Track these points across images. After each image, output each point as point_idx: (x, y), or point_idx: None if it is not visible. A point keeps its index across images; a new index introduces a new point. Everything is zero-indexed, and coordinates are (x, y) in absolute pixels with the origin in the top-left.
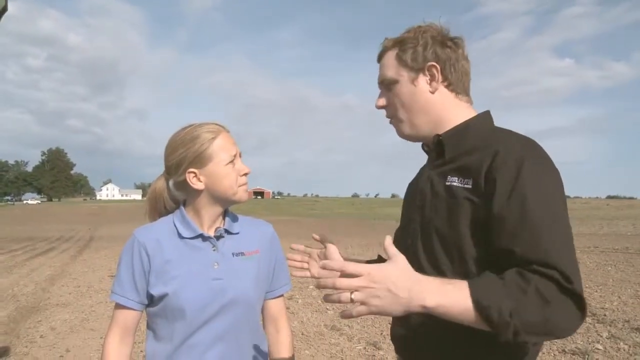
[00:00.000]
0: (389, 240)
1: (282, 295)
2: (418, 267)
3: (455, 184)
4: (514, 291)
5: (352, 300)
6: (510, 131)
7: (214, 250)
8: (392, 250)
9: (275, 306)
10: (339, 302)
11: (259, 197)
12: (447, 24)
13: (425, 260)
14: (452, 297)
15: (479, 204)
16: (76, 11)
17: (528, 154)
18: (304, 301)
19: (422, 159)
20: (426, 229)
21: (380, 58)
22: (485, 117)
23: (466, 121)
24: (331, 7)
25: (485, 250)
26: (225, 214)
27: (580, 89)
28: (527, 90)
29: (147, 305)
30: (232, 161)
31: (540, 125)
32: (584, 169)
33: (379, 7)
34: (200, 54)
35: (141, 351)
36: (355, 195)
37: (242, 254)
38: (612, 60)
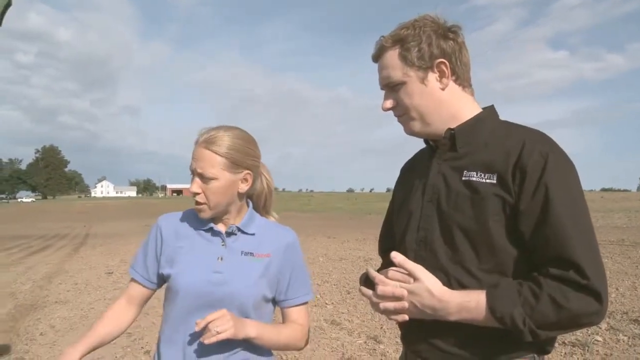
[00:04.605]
0: (401, 257)
1: (302, 305)
2: (435, 263)
3: (474, 178)
4: (528, 298)
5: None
6: (521, 125)
7: (222, 245)
8: (410, 266)
9: (295, 314)
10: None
11: None
12: (441, 13)
13: (445, 256)
14: (472, 313)
15: (506, 199)
16: (65, 5)
17: (551, 148)
18: None
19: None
20: (446, 225)
21: (378, 58)
22: (492, 111)
23: (477, 115)
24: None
25: (515, 244)
26: (246, 213)
27: (575, 81)
28: (521, 82)
29: (161, 286)
30: (191, 174)
31: (535, 117)
32: (578, 162)
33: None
34: (191, 49)
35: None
36: (350, 190)
37: (251, 254)
38: (607, 51)
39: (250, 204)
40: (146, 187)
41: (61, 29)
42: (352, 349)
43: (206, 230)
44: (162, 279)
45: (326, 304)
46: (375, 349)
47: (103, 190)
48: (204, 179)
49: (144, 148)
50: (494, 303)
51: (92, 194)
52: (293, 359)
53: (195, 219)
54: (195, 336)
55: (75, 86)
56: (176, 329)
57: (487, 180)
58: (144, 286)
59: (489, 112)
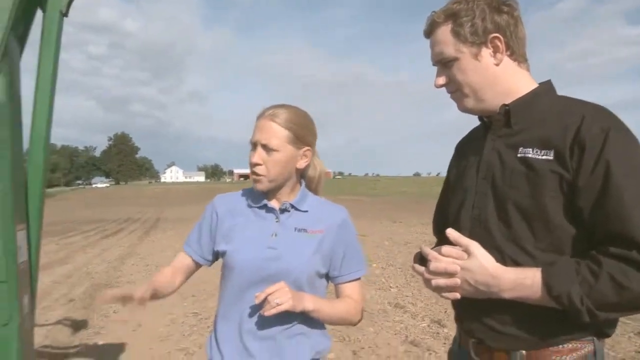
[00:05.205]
0: (456, 233)
1: (355, 280)
2: (490, 241)
3: (530, 155)
4: (586, 277)
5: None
6: (581, 100)
7: (276, 221)
8: (465, 241)
9: (348, 289)
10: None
11: None
12: None
13: (500, 234)
14: (527, 291)
15: (564, 175)
16: None
17: (612, 123)
18: (367, 279)
19: None
20: (501, 203)
21: (430, 34)
22: (549, 86)
23: (533, 90)
24: None
25: (572, 222)
26: (299, 191)
27: None
28: (594, 61)
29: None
30: (251, 147)
31: (608, 97)
32: None
33: None
34: (254, 35)
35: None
36: (416, 174)
37: (305, 230)
38: None
39: (303, 183)
40: (214, 172)
41: (128, 20)
42: (416, 332)
43: (260, 207)
44: (217, 256)
45: (390, 287)
46: (438, 333)
47: (172, 175)
48: (268, 150)
49: (211, 134)
50: (550, 280)
51: (162, 180)
52: (356, 341)
53: (250, 197)
54: (251, 311)
55: (144, 75)
56: (232, 305)
57: (544, 157)
58: (195, 262)
59: (546, 87)
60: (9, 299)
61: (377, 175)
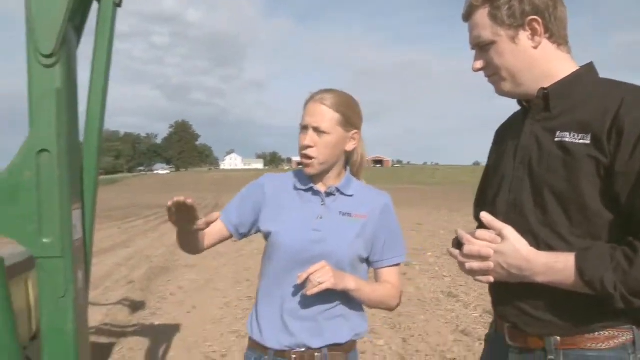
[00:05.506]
0: (489, 217)
1: (395, 266)
2: (525, 226)
3: (567, 139)
4: (621, 263)
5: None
6: (623, 82)
7: (322, 204)
8: (498, 224)
9: (388, 274)
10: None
11: (379, 165)
12: None
13: (535, 219)
14: (559, 275)
15: (601, 160)
16: None
17: None
18: (421, 268)
19: None
20: (537, 187)
21: (468, 17)
22: (590, 69)
23: (572, 74)
24: None
25: (609, 208)
26: (344, 175)
27: None
28: None
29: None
30: (301, 131)
31: None
32: None
33: None
34: (313, 23)
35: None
36: (476, 164)
37: (349, 214)
38: None
39: (348, 169)
40: (272, 160)
41: (191, 10)
42: (467, 321)
43: (306, 190)
44: (251, 231)
45: (444, 276)
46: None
47: (231, 162)
48: (319, 132)
49: (270, 121)
50: (583, 265)
51: (221, 167)
52: (407, 329)
53: (297, 180)
54: (293, 291)
55: (205, 64)
56: (274, 284)
57: (581, 141)
58: (228, 231)
59: (587, 69)
60: (64, 273)
61: (436, 164)
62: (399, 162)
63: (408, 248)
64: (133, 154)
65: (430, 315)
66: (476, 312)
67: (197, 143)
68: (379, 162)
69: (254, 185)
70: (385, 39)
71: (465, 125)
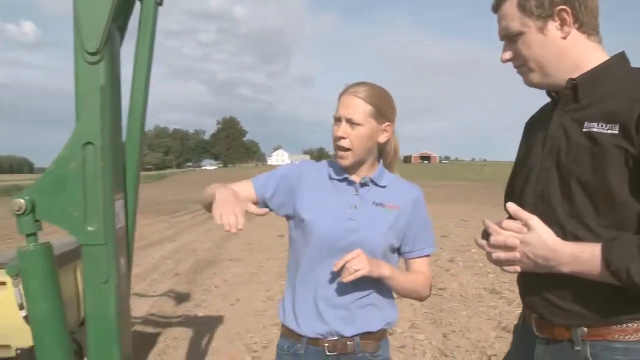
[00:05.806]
0: (516, 207)
1: (426, 257)
2: (552, 217)
3: (595, 129)
4: None
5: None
6: None
7: (355, 194)
8: (525, 215)
9: (419, 265)
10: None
11: (426, 161)
12: None
13: (563, 210)
14: (585, 265)
15: (629, 150)
16: None
17: None
18: (465, 264)
19: None
20: (565, 178)
21: (497, 8)
22: (622, 59)
23: (602, 64)
24: None
25: (637, 199)
26: (378, 167)
27: None
28: None
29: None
30: (334, 123)
31: None
32: None
33: None
34: (361, 18)
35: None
36: None
37: (382, 205)
38: None
39: (382, 161)
40: (319, 155)
41: (237, 7)
42: (510, 318)
43: (341, 180)
44: (277, 210)
45: (488, 272)
46: None
47: (278, 158)
48: (352, 124)
49: (317, 117)
50: (609, 255)
51: (268, 162)
52: (448, 324)
53: (332, 170)
54: (327, 279)
55: (252, 60)
56: (308, 272)
57: (609, 131)
58: (252, 192)
59: (618, 59)
60: (107, 260)
61: (484, 160)
62: (447, 158)
63: (453, 244)
64: (181, 149)
65: (472, 311)
66: (519, 309)
67: (245, 139)
68: (426, 158)
69: (292, 167)
70: (437, 33)
71: (515, 121)
